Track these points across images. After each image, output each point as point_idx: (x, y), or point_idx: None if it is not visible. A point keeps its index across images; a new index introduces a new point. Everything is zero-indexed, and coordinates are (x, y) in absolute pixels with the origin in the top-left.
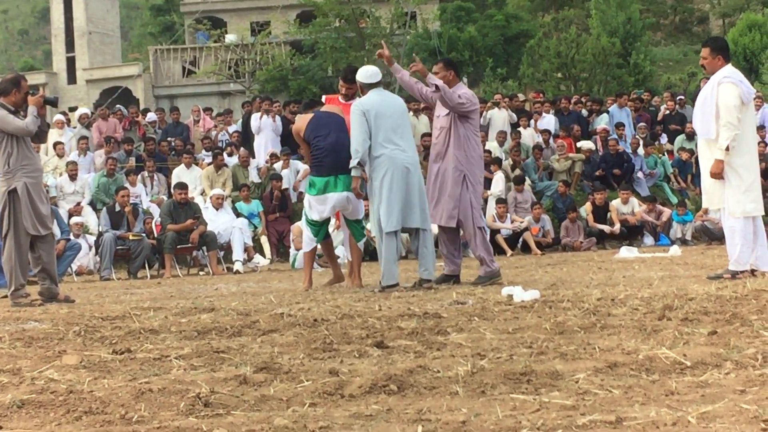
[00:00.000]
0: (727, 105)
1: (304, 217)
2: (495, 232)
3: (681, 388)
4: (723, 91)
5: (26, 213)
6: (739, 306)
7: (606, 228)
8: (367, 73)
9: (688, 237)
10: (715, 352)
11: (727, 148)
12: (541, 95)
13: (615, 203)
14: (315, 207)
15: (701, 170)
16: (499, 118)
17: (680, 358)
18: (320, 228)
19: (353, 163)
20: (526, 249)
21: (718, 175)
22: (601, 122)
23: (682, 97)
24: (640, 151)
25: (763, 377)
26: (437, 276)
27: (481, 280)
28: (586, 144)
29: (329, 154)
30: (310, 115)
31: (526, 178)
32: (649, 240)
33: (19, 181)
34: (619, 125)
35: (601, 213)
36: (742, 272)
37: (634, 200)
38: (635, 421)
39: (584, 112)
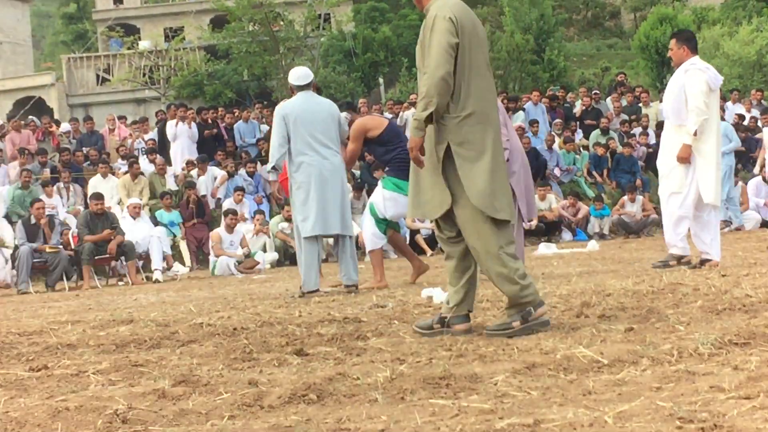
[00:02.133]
0: (694, 92)
1: (370, 217)
2: (415, 232)
3: (598, 387)
4: (690, 79)
5: None
6: (656, 300)
7: (524, 224)
8: (296, 74)
9: (606, 231)
10: (632, 349)
11: (695, 134)
12: None
13: None
14: (398, 206)
15: (664, 155)
16: None
17: (597, 356)
18: (386, 227)
19: (268, 167)
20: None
21: (684, 159)
22: (517, 120)
23: (597, 92)
24: (556, 147)
25: (679, 373)
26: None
27: None
28: None
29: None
30: (382, 119)
31: None
32: (567, 236)
33: None
34: (533, 122)
35: None
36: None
37: (551, 196)
38: (553, 423)
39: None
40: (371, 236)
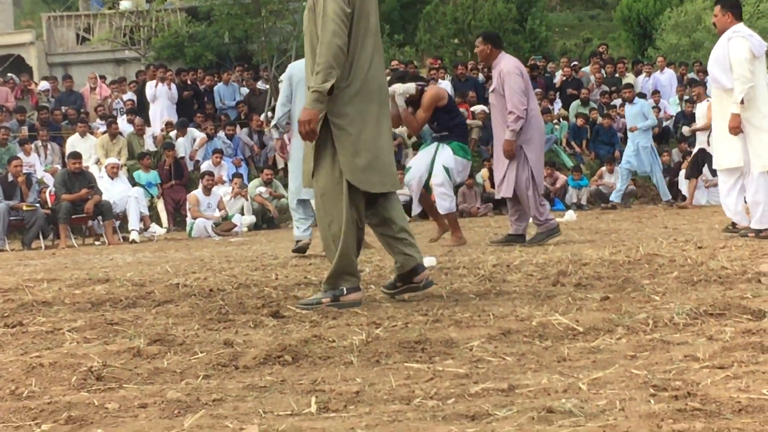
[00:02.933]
0: (738, 59)
1: (447, 180)
2: None
3: (573, 354)
4: (733, 46)
5: None
6: (632, 271)
7: None
8: None
9: (584, 202)
10: (607, 318)
11: (742, 102)
12: (439, 61)
13: None
14: (466, 170)
15: (716, 124)
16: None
17: (573, 324)
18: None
19: (271, 125)
20: (424, 215)
21: (735, 129)
22: None
23: (577, 63)
24: None
25: (654, 342)
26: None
27: (540, 237)
28: (478, 107)
29: None
30: (445, 89)
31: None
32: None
33: None
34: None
35: None
36: (765, 230)
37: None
38: (527, 388)
39: (481, 77)
40: (450, 199)
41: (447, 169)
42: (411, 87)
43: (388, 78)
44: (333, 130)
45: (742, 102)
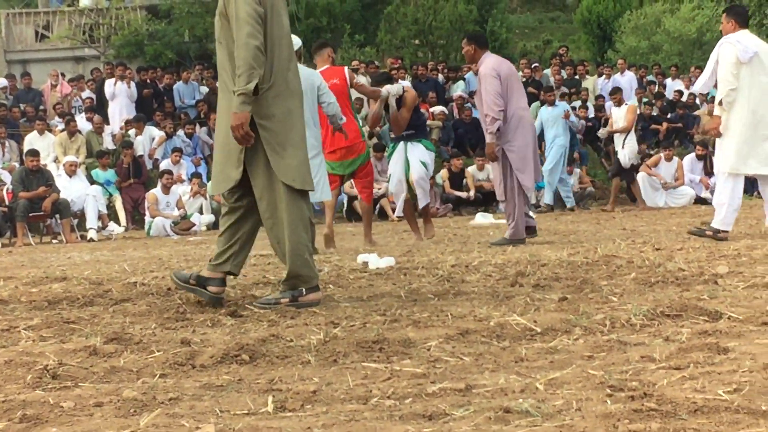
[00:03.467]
0: (723, 63)
1: (426, 174)
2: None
3: (530, 355)
4: (721, 52)
5: None
6: (590, 272)
7: (462, 194)
8: None
9: (543, 203)
10: (565, 318)
11: (721, 104)
12: (399, 62)
13: (471, 170)
14: (433, 165)
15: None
16: None
17: (531, 324)
18: None
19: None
20: (383, 215)
21: (714, 131)
22: (458, 89)
23: (538, 65)
24: None
25: (611, 343)
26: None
27: (503, 242)
28: (437, 108)
29: None
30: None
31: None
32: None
33: None
34: (474, 93)
35: (457, 179)
36: (724, 232)
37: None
38: (484, 388)
39: (441, 78)
40: (427, 193)
41: (424, 164)
42: (400, 88)
43: (371, 79)
44: (261, 133)
45: (721, 104)
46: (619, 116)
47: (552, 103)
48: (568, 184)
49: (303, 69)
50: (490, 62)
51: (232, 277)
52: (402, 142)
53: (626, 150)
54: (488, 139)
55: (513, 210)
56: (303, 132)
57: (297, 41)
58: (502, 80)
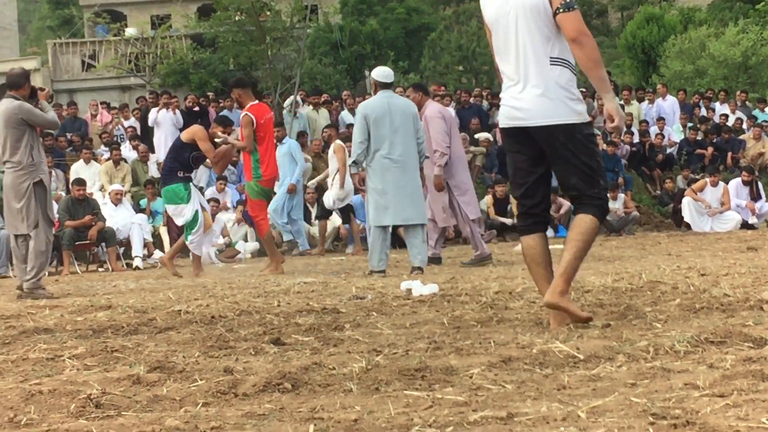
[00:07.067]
0: None
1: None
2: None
3: (573, 382)
4: None
5: (50, 204)
6: (634, 298)
7: (507, 221)
8: (382, 73)
9: None
10: (608, 345)
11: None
12: (443, 88)
13: None
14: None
15: None
16: None
17: (573, 351)
18: None
19: (349, 161)
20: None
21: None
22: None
23: (584, 90)
24: None
25: (654, 370)
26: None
27: (471, 263)
28: (483, 135)
29: None
30: None
31: None
32: (549, 232)
33: (44, 174)
34: None
35: (502, 205)
36: None
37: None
38: (526, 416)
39: (485, 105)
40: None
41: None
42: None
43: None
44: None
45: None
46: None
47: (280, 140)
48: None
49: (400, 99)
50: (435, 107)
51: (277, 304)
52: None
53: None
54: (436, 171)
55: (471, 235)
56: None
57: (391, 73)
58: (446, 123)
